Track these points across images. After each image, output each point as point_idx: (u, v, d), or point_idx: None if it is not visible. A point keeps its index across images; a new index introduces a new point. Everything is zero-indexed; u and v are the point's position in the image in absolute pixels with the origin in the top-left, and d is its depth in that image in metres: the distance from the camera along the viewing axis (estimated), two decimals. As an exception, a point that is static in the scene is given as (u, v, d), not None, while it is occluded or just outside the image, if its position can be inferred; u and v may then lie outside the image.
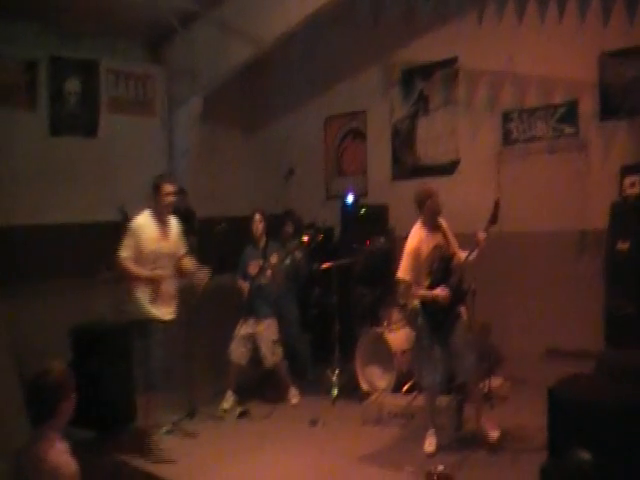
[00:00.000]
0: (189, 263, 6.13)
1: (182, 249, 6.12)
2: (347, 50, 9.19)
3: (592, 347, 6.13)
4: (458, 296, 5.51)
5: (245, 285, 7.26)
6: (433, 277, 5.47)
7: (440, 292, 5.37)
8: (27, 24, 8.20)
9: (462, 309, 5.63)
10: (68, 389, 3.60)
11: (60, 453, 3.48)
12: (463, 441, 5.73)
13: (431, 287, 5.45)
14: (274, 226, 7.90)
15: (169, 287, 5.92)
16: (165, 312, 5.86)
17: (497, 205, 5.36)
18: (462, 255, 5.50)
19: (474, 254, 5.43)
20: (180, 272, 6.10)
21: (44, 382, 3.56)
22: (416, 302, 5.66)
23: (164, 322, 5.82)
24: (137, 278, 5.76)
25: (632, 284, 5.68)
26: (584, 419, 3.94)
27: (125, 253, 5.71)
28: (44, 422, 3.54)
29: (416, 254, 5.49)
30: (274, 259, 7.20)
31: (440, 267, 5.47)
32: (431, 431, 5.65)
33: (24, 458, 3.55)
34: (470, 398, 5.83)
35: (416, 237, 5.56)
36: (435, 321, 5.53)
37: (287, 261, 7.41)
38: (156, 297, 5.76)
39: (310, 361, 8.06)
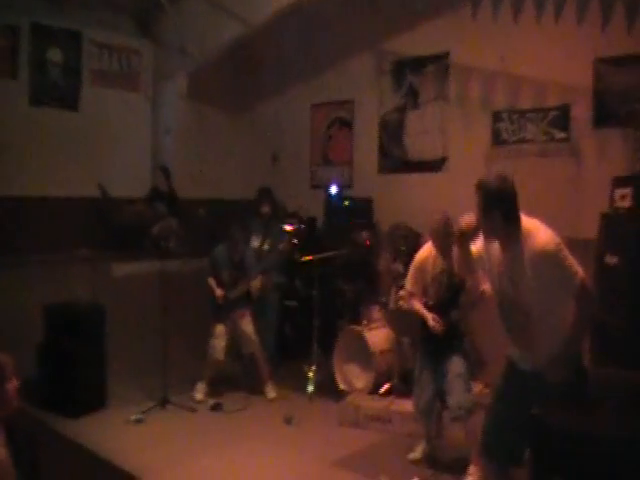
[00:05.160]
0: None
1: None
2: (339, 36, 8.90)
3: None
4: (455, 332, 5.18)
5: (219, 290, 7.05)
6: (436, 301, 5.20)
7: (432, 319, 5.12)
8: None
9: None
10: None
11: None
12: (441, 452, 5.59)
13: (434, 308, 5.19)
14: (252, 206, 7.90)
15: None
16: None
17: None
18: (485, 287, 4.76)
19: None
20: None
21: None
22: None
23: None
24: None
25: (620, 299, 5.55)
26: (569, 447, 3.83)
27: None
28: None
29: (419, 270, 5.29)
30: (257, 283, 7.11)
31: (446, 295, 5.17)
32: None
33: None
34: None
35: (425, 252, 5.31)
36: (427, 346, 5.30)
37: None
38: None
39: (275, 352, 7.89)
